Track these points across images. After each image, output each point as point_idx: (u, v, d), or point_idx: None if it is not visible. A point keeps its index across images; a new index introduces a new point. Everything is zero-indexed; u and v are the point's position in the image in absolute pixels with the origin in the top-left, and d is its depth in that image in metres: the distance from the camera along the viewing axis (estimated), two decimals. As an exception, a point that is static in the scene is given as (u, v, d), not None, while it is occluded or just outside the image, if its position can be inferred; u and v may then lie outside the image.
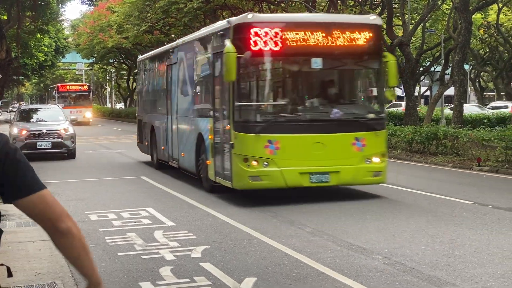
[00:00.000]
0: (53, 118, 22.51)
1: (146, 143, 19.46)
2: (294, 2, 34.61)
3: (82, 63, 76.35)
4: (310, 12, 27.52)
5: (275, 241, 8.73)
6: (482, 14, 42.56)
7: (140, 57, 22.16)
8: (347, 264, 7.50)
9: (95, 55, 59.79)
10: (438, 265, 7.39)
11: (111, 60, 65.30)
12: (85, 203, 12.26)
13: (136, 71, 22.07)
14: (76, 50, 63.51)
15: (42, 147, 20.93)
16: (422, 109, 37.37)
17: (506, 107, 37.84)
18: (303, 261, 7.65)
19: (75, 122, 42.46)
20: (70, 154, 21.63)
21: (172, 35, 47.54)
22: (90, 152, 24.19)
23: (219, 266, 7.45)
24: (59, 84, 57.42)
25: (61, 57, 61.95)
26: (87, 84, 60.59)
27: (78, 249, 2.59)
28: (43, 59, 53.72)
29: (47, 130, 21.23)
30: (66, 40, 61.42)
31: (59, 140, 21.24)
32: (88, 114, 51.64)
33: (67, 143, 21.38)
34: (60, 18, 48.36)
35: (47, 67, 58.64)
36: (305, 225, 9.75)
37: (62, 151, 21.45)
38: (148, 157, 19.59)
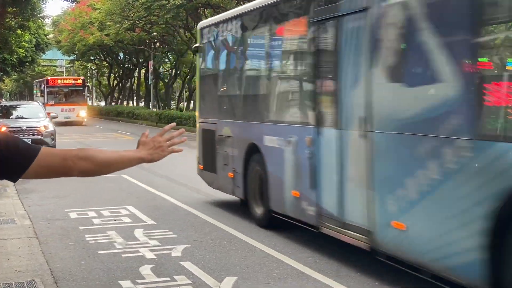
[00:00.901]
0: (33, 115, 22.40)
1: (231, 174, 10.63)
2: None
3: (62, 60, 75.94)
4: None
5: (256, 240, 8.75)
6: None
7: (207, 21, 12.77)
8: (327, 263, 7.52)
9: (76, 52, 59.33)
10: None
11: (92, 57, 65.00)
12: (64, 201, 12.18)
13: (196, 45, 12.66)
14: (57, 46, 63.07)
15: (22, 144, 20.73)
16: None
17: None
18: (283, 261, 7.66)
19: (63, 121, 41.46)
20: (50, 152, 21.46)
21: (154, 33, 47.51)
22: (70, 149, 24.05)
23: (200, 265, 7.45)
24: (48, 77, 52.23)
25: (41, 54, 61.42)
26: (82, 77, 53.62)
27: (103, 167, 2.68)
28: (23, 55, 53.13)
29: (27, 127, 21.09)
30: (47, 36, 60.91)
31: (39, 137, 21.06)
32: (82, 112, 44.69)
33: (47, 140, 21.21)
34: (41, 15, 47.95)
35: (27, 63, 58.07)
36: (287, 224, 9.74)
37: (42, 148, 21.27)
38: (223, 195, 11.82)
